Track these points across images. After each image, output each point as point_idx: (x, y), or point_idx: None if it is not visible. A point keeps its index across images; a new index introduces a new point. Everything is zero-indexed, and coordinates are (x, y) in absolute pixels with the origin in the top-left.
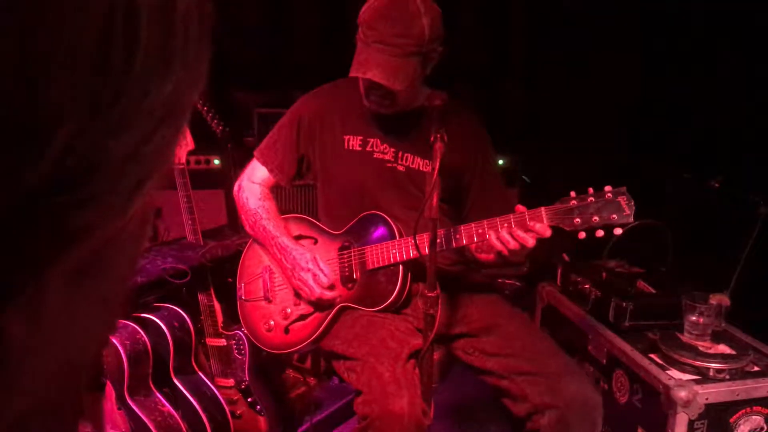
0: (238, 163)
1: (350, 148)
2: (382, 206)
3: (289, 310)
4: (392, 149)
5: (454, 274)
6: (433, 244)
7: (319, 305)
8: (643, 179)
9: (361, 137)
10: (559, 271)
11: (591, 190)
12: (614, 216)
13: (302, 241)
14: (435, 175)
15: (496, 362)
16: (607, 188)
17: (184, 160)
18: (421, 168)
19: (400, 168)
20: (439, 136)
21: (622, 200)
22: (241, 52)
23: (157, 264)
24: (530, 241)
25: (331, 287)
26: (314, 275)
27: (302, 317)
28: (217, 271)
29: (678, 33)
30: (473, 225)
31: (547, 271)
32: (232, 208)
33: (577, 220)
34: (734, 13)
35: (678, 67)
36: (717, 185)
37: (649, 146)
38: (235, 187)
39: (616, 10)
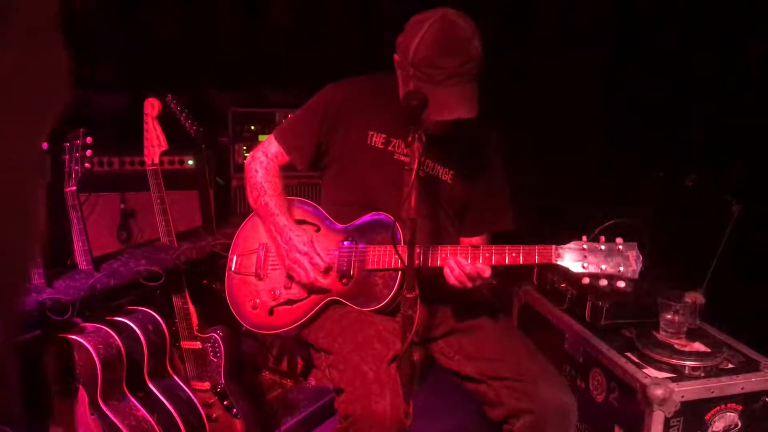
0: (212, 164)
1: (372, 144)
2: (392, 207)
3: (278, 292)
4: None
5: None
6: (411, 244)
7: (311, 290)
8: (618, 178)
9: (385, 135)
10: (536, 270)
11: (603, 238)
12: (621, 268)
13: (304, 227)
14: (413, 175)
15: (474, 367)
16: (619, 240)
17: (157, 160)
18: (440, 176)
19: (420, 173)
20: (417, 136)
21: (632, 255)
22: (215, 52)
23: (131, 266)
24: (486, 272)
25: (327, 271)
26: (310, 258)
27: (290, 302)
28: (191, 273)
29: (651, 30)
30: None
31: (524, 270)
32: (206, 209)
33: (585, 265)
34: (709, 10)
35: (652, 65)
36: (690, 184)
37: (624, 145)
38: (248, 157)
39: (589, 7)
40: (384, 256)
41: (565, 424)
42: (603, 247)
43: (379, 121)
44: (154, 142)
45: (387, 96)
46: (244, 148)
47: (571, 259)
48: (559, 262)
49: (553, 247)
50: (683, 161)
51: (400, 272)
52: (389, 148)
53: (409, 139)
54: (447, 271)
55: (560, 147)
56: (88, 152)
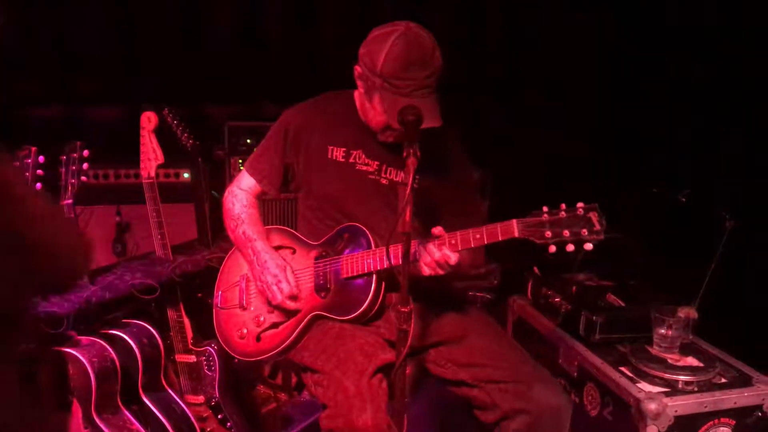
0: (208, 177)
1: (333, 158)
2: (360, 218)
3: (262, 318)
4: (376, 162)
5: (427, 283)
6: (405, 258)
7: (287, 312)
8: (612, 193)
9: (345, 149)
10: (530, 284)
11: (563, 205)
12: (585, 231)
13: (281, 251)
14: (408, 191)
15: (467, 372)
16: (579, 204)
17: (153, 173)
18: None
19: (383, 181)
20: (411, 151)
21: (593, 216)
22: (211, 66)
23: (126, 279)
24: (453, 258)
25: (293, 298)
26: (278, 281)
27: (274, 325)
28: (186, 286)
29: (649, 48)
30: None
31: (518, 284)
32: (202, 222)
33: (548, 233)
34: (707, 27)
35: (649, 80)
36: (684, 200)
37: (618, 160)
38: (225, 193)
39: (588, 29)
40: (356, 264)
41: (559, 424)
42: (564, 213)
43: (337, 135)
44: (151, 155)
45: (342, 111)
46: (240, 161)
47: (533, 230)
48: (521, 235)
49: (514, 221)
50: (677, 176)
51: (375, 275)
52: (350, 160)
53: (404, 154)
54: (421, 262)
55: (554, 161)
56: (85, 165)
